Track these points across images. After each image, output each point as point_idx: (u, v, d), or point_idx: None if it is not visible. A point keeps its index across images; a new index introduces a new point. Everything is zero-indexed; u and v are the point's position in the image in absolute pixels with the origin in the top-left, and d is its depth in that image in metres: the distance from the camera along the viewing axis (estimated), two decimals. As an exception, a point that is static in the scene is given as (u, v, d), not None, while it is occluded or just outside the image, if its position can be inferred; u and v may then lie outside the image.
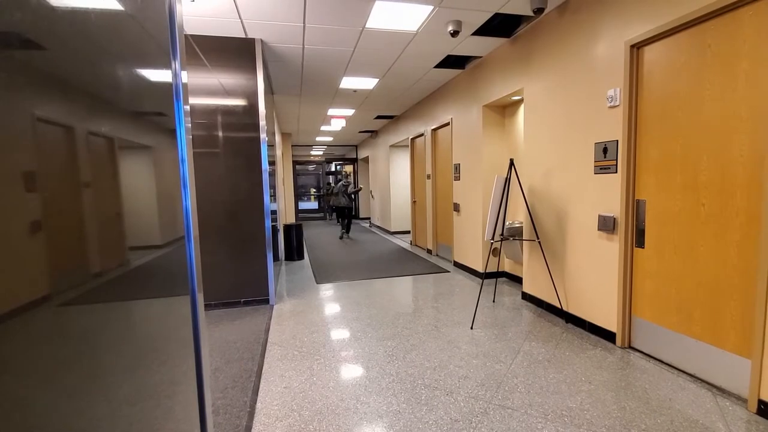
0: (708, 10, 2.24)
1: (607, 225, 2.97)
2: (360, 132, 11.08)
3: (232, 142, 4.04)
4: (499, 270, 5.08)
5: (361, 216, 14.62)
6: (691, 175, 2.44)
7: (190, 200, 1.12)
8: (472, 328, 3.36)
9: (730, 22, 2.19)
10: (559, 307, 3.54)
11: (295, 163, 13.82)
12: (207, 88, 3.94)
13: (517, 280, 4.79)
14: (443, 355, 2.86)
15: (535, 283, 3.93)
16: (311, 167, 21.70)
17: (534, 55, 3.79)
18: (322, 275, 5.48)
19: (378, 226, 11.45)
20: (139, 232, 0.84)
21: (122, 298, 0.73)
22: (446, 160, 6.14)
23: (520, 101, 4.59)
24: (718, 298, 2.32)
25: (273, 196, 5.84)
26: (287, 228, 6.68)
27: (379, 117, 8.72)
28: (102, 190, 0.67)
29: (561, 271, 3.51)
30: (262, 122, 4.08)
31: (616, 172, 2.89)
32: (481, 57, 4.79)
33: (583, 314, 3.27)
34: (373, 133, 11.07)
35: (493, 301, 4.08)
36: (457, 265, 5.80)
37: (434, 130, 6.56)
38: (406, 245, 8.02)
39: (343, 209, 9.42)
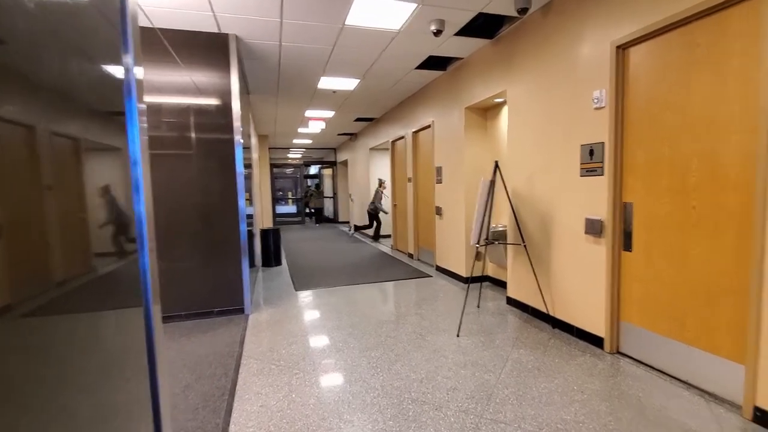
0: (697, 10, 2.21)
1: (594, 228, 2.92)
2: (339, 134, 10.91)
3: (205, 143, 3.81)
4: (484, 274, 5.01)
5: (340, 220, 14.40)
6: (680, 177, 2.41)
7: (144, 205, 0.96)
8: (458, 335, 3.25)
9: (721, 20, 2.16)
10: (546, 312, 3.48)
11: (272, 166, 13.49)
12: (178, 86, 3.70)
13: (501, 284, 4.72)
14: (430, 366, 2.72)
15: (520, 288, 3.86)
16: (289, 170, 21.33)
17: (517, 56, 3.74)
18: (300, 282, 5.27)
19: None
20: (91, 239, 0.72)
21: (69, 311, 0.62)
22: (428, 163, 6.06)
23: (503, 103, 4.55)
24: (710, 303, 2.28)
25: (249, 200, 5.60)
26: (264, 233, 6.43)
27: (358, 119, 8.58)
28: (48, 193, 0.53)
29: (547, 276, 3.45)
30: (237, 123, 3.87)
31: (603, 174, 2.85)
32: (462, 58, 4.73)
33: (570, 319, 3.21)
34: (353, 136, 10.92)
35: (478, 307, 3.99)
36: (439, 269, 5.70)
37: (415, 132, 6.47)
38: (387, 250, 7.89)
39: (372, 215, 9.13)
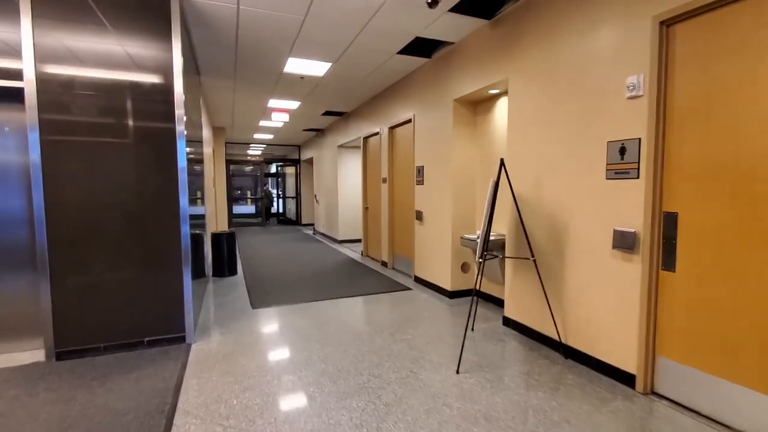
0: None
1: (625, 242, 2.41)
2: (304, 130, 10.09)
3: (137, 131, 2.97)
4: (475, 288, 4.47)
5: (303, 222, 13.52)
6: (743, 183, 1.93)
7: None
8: (458, 371, 2.64)
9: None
10: (556, 338, 2.95)
11: (229, 162, 12.39)
12: (103, 56, 2.85)
13: (492, 300, 4.19)
14: (432, 422, 2.09)
15: (521, 308, 3.32)
16: (248, 168, 20.07)
17: (522, 39, 3.21)
18: (259, 296, 4.48)
19: (323, 234, 10.50)
20: None
21: None
22: (407, 162, 5.45)
23: (498, 96, 4.02)
24: (791, 342, 1.81)
25: (199, 200, 4.74)
26: (216, 238, 5.55)
27: (327, 113, 7.85)
28: None
29: (558, 296, 2.92)
30: (180, 110, 3.05)
31: (638, 177, 2.35)
32: (452, 43, 4.16)
33: (589, 349, 2.70)
34: (320, 132, 10.14)
35: (472, 330, 3.41)
36: (419, 280, 5.10)
37: (392, 128, 5.85)
38: (356, 256, 7.20)
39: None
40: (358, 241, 8.95)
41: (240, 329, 3.45)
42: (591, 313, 2.67)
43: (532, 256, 2.95)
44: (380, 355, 2.91)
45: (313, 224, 12.87)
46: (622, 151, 2.44)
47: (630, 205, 2.40)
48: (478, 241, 2.85)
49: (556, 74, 2.89)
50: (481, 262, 2.83)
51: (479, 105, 4.33)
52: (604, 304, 2.59)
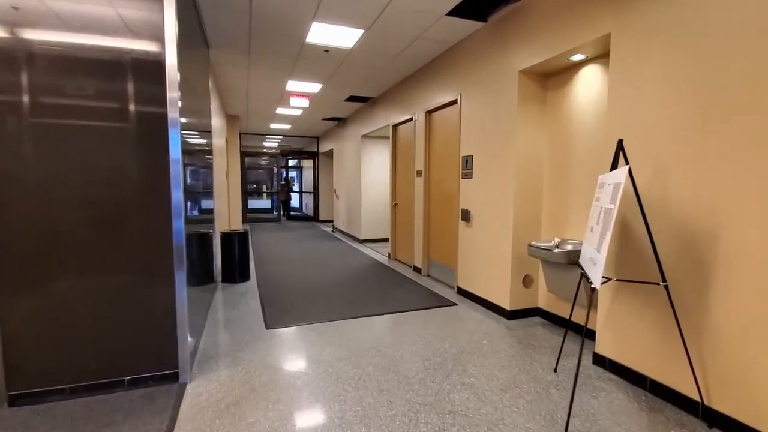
0: None
1: None
2: (324, 119, 9.32)
3: (117, 116, 2.21)
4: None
5: (321, 218, 12.80)
6: None
7: None
8: (562, 450, 1.81)
9: None
10: (691, 396, 2.09)
11: (244, 154, 11.74)
12: (66, 16, 2.09)
13: (556, 320, 3.34)
14: None
15: (624, 345, 2.47)
16: (264, 161, 19.48)
17: (637, -24, 2.33)
18: (274, 311, 3.72)
19: (343, 232, 9.74)
20: None
21: None
22: (449, 152, 4.60)
23: (580, 65, 3.14)
24: None
25: (207, 194, 4.01)
26: (226, 238, 4.82)
27: (351, 98, 7.04)
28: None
29: (697, 338, 2.06)
30: (174, 92, 2.27)
31: None
32: (517, 0, 3.29)
33: (756, 421, 1.83)
34: (341, 121, 9.35)
35: (555, 371, 2.57)
36: (463, 293, 4.27)
37: (430, 112, 5.00)
38: (383, 259, 6.40)
39: None
40: (383, 240, 8.16)
41: (251, 362, 2.69)
42: (759, 367, 1.80)
43: (663, 281, 2.07)
44: (440, 412, 2.10)
45: (332, 221, 12.14)
46: (842, 124, 1.55)
47: None
48: (598, 258, 2.00)
49: (713, 15, 2.00)
50: (594, 289, 1.97)
51: (551, 78, 3.45)
52: (790, 358, 1.72)
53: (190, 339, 2.48)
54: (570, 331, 3.22)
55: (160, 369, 2.37)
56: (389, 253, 6.53)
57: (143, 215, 2.30)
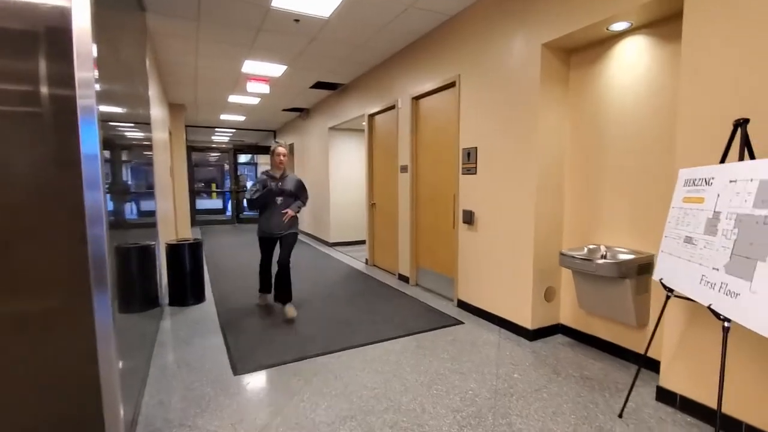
0: None
1: None
2: (284, 110, 8.40)
3: (3, 98, 1.35)
4: (555, 323, 3.10)
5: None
6: None
7: None
8: None
9: None
10: (819, 453, 1.62)
11: (191, 149, 10.48)
12: None
13: (584, 339, 2.84)
14: None
15: (704, 382, 1.97)
16: (214, 157, 17.97)
17: None
18: (242, 346, 2.91)
19: (309, 234, 8.89)
20: None
21: None
22: (443, 143, 3.99)
23: (618, 37, 2.62)
24: None
25: (146, 196, 3.13)
26: (173, 251, 3.89)
27: (319, 85, 6.23)
28: None
29: (824, 376, 1.58)
30: (86, 71, 1.43)
31: None
32: (540, -41, 2.73)
33: None
34: (304, 112, 8.47)
35: (620, 416, 2.03)
36: (465, 307, 3.69)
37: (418, 98, 4.36)
38: (359, 266, 5.70)
39: None
40: (356, 244, 7.44)
41: (216, 434, 1.90)
42: None
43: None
44: (507, 507, 1.46)
45: (292, 222, 11.18)
46: None
47: None
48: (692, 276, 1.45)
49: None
50: (728, 329, 1.42)
51: (574, 55, 2.93)
52: None
53: (122, 409, 1.66)
54: (577, 339, 2.72)
55: (72, 470, 1.54)
56: (367, 259, 5.83)
57: (40, 224, 1.46)
